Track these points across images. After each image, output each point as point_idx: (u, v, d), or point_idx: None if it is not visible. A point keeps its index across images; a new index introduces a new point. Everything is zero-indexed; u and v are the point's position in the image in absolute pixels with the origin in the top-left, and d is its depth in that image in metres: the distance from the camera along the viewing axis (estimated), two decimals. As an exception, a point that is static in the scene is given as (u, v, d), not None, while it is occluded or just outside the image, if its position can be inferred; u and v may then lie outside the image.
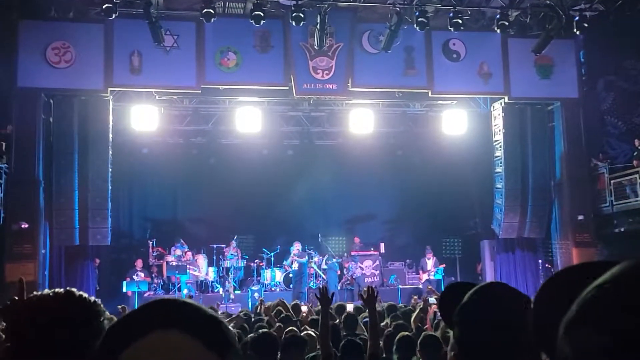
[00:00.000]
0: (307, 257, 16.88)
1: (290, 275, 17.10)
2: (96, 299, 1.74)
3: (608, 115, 16.41)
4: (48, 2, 14.23)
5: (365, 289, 5.00)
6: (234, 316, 8.34)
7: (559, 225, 16.10)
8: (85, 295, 1.69)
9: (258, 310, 9.63)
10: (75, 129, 14.26)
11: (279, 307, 8.76)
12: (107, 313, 1.75)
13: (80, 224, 14.12)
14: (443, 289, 1.78)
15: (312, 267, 17.34)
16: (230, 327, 1.03)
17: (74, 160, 14.16)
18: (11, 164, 13.60)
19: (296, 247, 16.81)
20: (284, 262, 17.15)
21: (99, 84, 14.25)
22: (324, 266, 17.37)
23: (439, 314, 7.80)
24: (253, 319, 8.63)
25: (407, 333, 5.90)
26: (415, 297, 14.90)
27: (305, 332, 6.39)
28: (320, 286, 7.62)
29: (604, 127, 16.41)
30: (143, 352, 0.92)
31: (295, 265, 16.47)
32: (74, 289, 1.70)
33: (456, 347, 1.55)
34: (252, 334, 6.31)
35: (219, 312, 10.61)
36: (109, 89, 14.39)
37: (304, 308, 9.89)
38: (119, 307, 13.04)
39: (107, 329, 1.01)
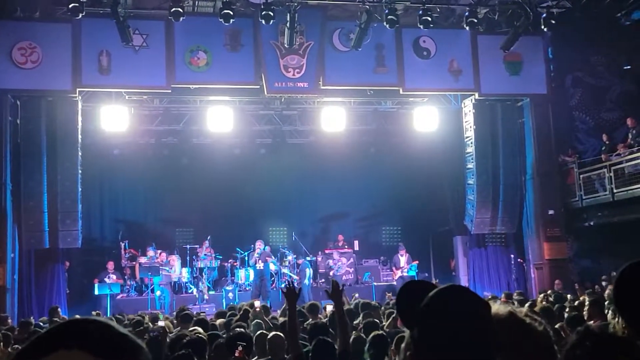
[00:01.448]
0: (272, 258, 16.73)
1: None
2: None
3: (576, 111, 16.64)
4: (13, 2, 13.99)
5: (331, 285, 5.00)
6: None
7: (530, 220, 16.30)
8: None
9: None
10: (43, 131, 14.03)
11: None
12: None
13: (50, 226, 13.91)
14: (400, 289, 1.78)
15: (285, 267, 17.28)
16: (142, 346, 1.02)
17: (43, 162, 13.94)
18: (-23, 166, 13.35)
19: (258, 246, 16.63)
20: (250, 263, 16.90)
21: (67, 85, 14.05)
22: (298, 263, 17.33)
23: None
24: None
25: (380, 332, 5.92)
26: (390, 294, 15.01)
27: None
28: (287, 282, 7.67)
29: (572, 122, 16.64)
30: None
31: (260, 265, 16.30)
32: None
33: (412, 347, 1.55)
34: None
35: (194, 313, 10.55)
36: (78, 89, 14.19)
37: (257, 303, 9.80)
38: (94, 312, 12.94)
39: (19, 349, 1.01)
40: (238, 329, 5.96)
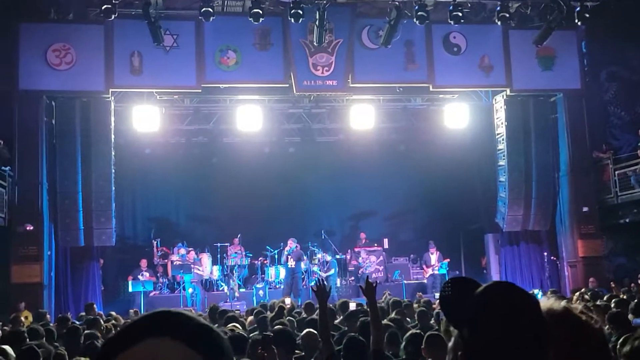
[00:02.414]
0: (303, 256, 16.77)
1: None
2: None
3: (611, 106, 16.36)
4: (47, 4, 14.26)
5: (365, 282, 4.97)
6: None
7: (564, 217, 16.06)
8: None
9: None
10: (78, 131, 14.29)
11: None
12: None
13: (85, 225, 14.15)
14: (443, 286, 1.76)
15: (314, 265, 17.31)
16: (223, 336, 1.06)
17: (77, 162, 14.19)
18: (15, 166, 13.64)
19: (289, 244, 16.68)
20: (281, 262, 16.97)
21: (100, 85, 14.27)
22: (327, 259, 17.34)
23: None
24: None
25: (417, 330, 5.90)
26: (420, 293, 14.94)
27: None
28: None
29: (607, 117, 16.36)
30: (135, 357, 0.96)
31: (292, 263, 16.36)
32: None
33: (462, 347, 1.53)
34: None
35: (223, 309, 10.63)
36: (110, 90, 14.40)
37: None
38: (132, 310, 13.15)
39: (107, 337, 1.07)
40: (278, 326, 5.97)
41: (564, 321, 1.72)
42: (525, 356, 1.41)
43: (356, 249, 18.00)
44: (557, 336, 1.66)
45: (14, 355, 4.76)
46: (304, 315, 8.60)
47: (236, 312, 11.53)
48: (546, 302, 1.76)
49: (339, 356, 5.18)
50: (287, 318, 8.03)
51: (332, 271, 17.10)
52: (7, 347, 4.88)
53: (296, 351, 5.56)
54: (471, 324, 1.48)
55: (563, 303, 1.80)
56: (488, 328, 1.44)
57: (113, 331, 7.66)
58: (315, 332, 6.17)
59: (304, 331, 6.20)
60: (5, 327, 8.90)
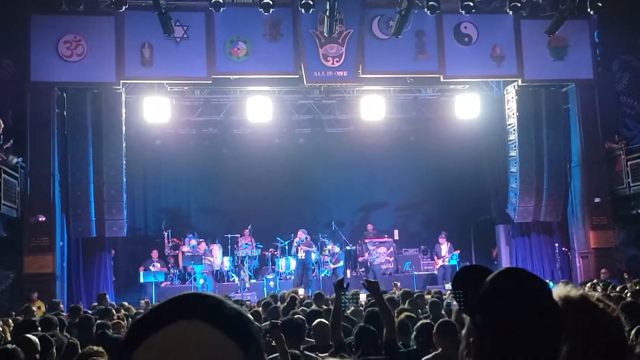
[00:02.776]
0: (313, 247, 16.79)
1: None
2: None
3: (624, 96, 16.20)
4: (58, -4, 14.29)
5: (365, 280, 5.09)
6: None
7: (576, 208, 15.99)
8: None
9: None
10: (89, 122, 14.37)
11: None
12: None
13: (97, 216, 14.25)
14: (455, 274, 1.75)
15: (325, 256, 17.33)
16: (252, 320, 1.05)
17: (89, 153, 14.27)
18: (27, 158, 13.72)
19: (299, 235, 16.71)
20: (291, 253, 17.01)
21: (111, 77, 14.32)
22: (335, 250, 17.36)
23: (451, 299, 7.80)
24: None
25: (428, 321, 5.91)
26: (429, 288, 14.95)
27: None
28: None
29: (619, 107, 16.21)
30: (166, 339, 0.95)
31: (302, 254, 16.39)
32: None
33: (475, 333, 1.52)
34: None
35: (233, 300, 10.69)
36: (121, 81, 14.45)
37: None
38: (143, 301, 13.24)
39: (134, 320, 1.05)
40: (295, 316, 5.98)
41: (581, 309, 1.71)
42: (538, 341, 1.41)
43: (366, 240, 17.99)
44: (574, 324, 1.65)
45: (39, 343, 4.79)
46: (314, 307, 8.61)
47: (247, 302, 11.61)
48: (563, 289, 1.75)
49: (348, 347, 5.20)
50: (301, 308, 8.06)
51: (340, 263, 17.12)
52: (32, 336, 4.92)
53: (307, 339, 5.57)
54: (483, 311, 1.48)
55: (580, 291, 1.79)
56: (500, 314, 1.43)
57: (124, 322, 7.71)
58: (326, 322, 6.19)
59: (316, 321, 6.21)
60: (18, 317, 8.98)
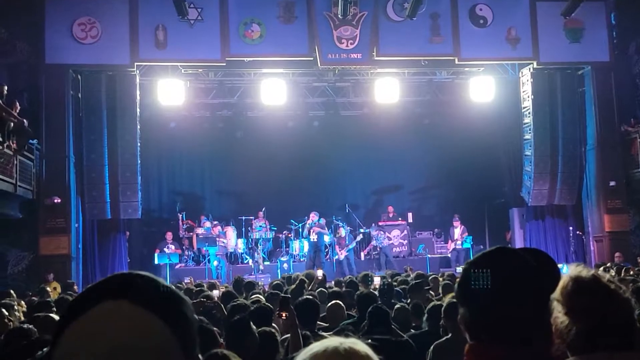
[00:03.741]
0: (325, 229, 16.81)
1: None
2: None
3: (640, 79, 16.01)
4: (72, -22, 14.30)
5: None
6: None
7: (590, 192, 15.89)
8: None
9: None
10: (104, 105, 14.44)
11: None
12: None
13: (111, 198, 14.36)
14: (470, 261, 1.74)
15: (342, 238, 17.36)
16: (185, 299, 1.04)
17: (103, 136, 14.36)
18: (42, 140, 13.84)
19: (312, 218, 16.74)
20: (304, 235, 17.05)
21: (125, 59, 14.35)
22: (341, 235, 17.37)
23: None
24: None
25: (438, 302, 5.94)
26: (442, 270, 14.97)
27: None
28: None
29: (636, 90, 16.03)
30: (90, 321, 0.95)
31: (314, 237, 16.43)
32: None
33: (464, 315, 1.53)
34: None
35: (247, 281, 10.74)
36: (135, 63, 14.48)
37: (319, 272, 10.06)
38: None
39: (71, 300, 1.05)
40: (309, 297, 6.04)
41: (592, 289, 1.72)
42: (521, 318, 1.41)
43: (380, 223, 17.99)
44: (586, 304, 1.66)
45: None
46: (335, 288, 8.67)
47: (260, 283, 11.70)
48: (574, 269, 1.76)
49: (355, 325, 5.26)
50: (319, 290, 8.13)
51: (352, 245, 17.13)
52: (54, 315, 4.99)
53: (319, 323, 5.62)
54: (465, 290, 1.49)
55: (592, 271, 1.80)
56: (481, 293, 1.45)
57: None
58: (341, 303, 6.25)
59: (330, 302, 6.28)
60: (33, 298, 9.12)
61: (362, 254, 17.75)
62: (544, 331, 1.44)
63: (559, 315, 1.64)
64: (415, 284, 7.89)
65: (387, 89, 15.84)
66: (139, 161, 14.63)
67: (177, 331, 0.97)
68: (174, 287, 1.04)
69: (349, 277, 9.91)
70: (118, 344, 0.92)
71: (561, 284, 1.69)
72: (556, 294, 1.62)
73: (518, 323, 1.41)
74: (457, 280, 1.55)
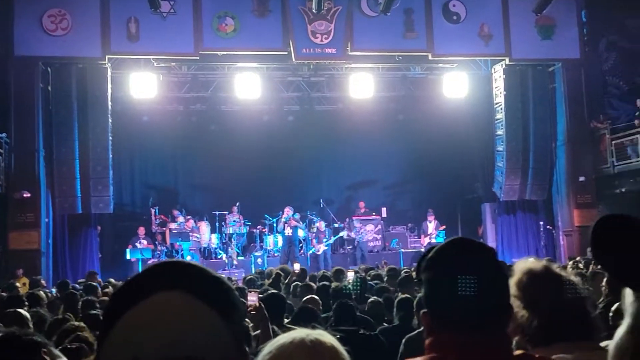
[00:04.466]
0: (300, 224, 16.81)
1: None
2: (34, 337, 1.73)
3: (610, 76, 16.30)
4: (42, -31, 14.05)
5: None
6: None
7: (560, 187, 16.14)
8: (25, 335, 1.70)
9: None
10: (74, 97, 14.22)
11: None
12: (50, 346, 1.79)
13: (82, 192, 14.18)
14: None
15: (314, 233, 17.40)
16: (234, 290, 1.03)
17: (74, 129, 14.16)
18: (11, 133, 13.61)
19: (286, 212, 16.67)
20: (278, 229, 17.02)
21: (97, 52, 14.16)
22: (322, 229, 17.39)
23: None
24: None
25: (407, 295, 5.98)
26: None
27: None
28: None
29: (605, 87, 16.32)
30: (146, 313, 0.92)
31: (289, 231, 16.42)
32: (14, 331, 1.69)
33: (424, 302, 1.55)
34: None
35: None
36: (107, 56, 14.30)
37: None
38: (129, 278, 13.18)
39: (112, 293, 1.02)
40: (271, 291, 6.04)
41: (544, 278, 1.76)
42: (479, 304, 1.43)
43: (354, 218, 18.05)
44: (538, 294, 1.70)
45: (30, 317, 4.78)
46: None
47: (234, 279, 11.68)
48: (525, 263, 1.81)
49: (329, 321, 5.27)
50: (294, 283, 8.12)
51: (331, 240, 17.16)
52: (22, 311, 4.91)
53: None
54: (424, 280, 1.51)
55: (542, 262, 1.84)
56: (439, 283, 1.46)
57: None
58: (317, 297, 6.26)
59: (306, 297, 6.28)
60: (3, 294, 8.97)
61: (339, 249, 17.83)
62: (500, 318, 1.46)
63: (518, 309, 1.67)
64: (405, 277, 7.93)
65: (362, 84, 15.89)
66: (111, 155, 14.48)
67: (229, 322, 0.96)
68: (223, 276, 1.02)
69: (322, 272, 9.92)
70: (177, 336, 0.90)
71: (515, 279, 1.72)
72: (512, 290, 1.64)
73: (475, 310, 1.42)
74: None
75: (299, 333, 1.21)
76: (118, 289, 1.01)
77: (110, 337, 0.93)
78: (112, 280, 11.18)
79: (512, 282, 1.68)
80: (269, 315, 4.59)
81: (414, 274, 9.29)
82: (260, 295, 4.76)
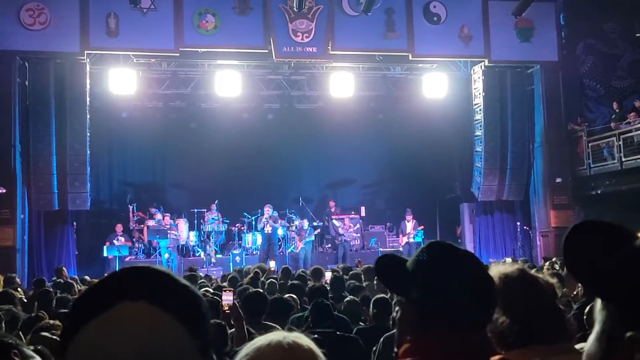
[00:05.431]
0: (279, 222, 16.77)
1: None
2: (4, 338, 1.70)
3: (587, 79, 16.50)
4: (20, -38, 13.86)
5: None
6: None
7: (538, 188, 16.31)
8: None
9: None
10: (52, 93, 14.04)
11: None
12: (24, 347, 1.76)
13: (59, 188, 14.02)
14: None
15: (293, 232, 17.40)
16: (202, 297, 1.00)
17: (51, 125, 13.98)
18: (-14, 128, 13.40)
19: (266, 211, 16.56)
20: (258, 228, 16.94)
21: (75, 47, 14.01)
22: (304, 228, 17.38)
23: None
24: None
25: (383, 295, 6.01)
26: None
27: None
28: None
29: (582, 90, 16.52)
30: (107, 324, 0.89)
31: (268, 229, 16.35)
32: None
33: (413, 309, 1.54)
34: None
35: (200, 275, 10.67)
36: (86, 51, 14.15)
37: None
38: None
39: (75, 299, 0.99)
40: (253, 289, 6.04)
41: (519, 281, 1.79)
42: (473, 306, 1.45)
43: (333, 217, 18.07)
44: (514, 295, 1.73)
45: (2, 316, 4.71)
46: (281, 280, 8.69)
47: (213, 277, 11.64)
48: (500, 267, 1.84)
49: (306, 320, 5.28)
50: (269, 280, 8.15)
51: (310, 237, 17.16)
52: None
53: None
54: (422, 284, 1.51)
55: (517, 266, 1.88)
56: (437, 284, 1.48)
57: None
58: (295, 296, 6.27)
59: (285, 295, 6.29)
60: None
61: (318, 248, 17.82)
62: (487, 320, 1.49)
63: (498, 316, 1.70)
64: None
65: (342, 83, 15.93)
66: (89, 151, 14.32)
67: (196, 334, 0.93)
68: (190, 285, 0.99)
69: (300, 271, 9.92)
70: (140, 349, 0.87)
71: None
72: None
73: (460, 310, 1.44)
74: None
75: (276, 335, 1.22)
76: (82, 294, 0.98)
77: (74, 344, 0.90)
78: (87, 277, 11.09)
79: None
80: (250, 313, 4.60)
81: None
82: (238, 294, 4.76)
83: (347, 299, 6.31)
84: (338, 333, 4.76)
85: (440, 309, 1.46)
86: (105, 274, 1.00)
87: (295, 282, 7.83)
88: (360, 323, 5.80)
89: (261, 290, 5.86)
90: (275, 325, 5.05)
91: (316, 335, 1.37)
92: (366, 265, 10.35)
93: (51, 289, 8.00)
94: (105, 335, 0.88)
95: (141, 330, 0.89)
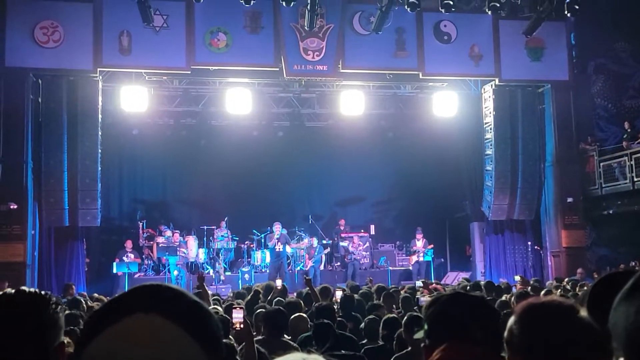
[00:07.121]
0: (289, 240, 16.71)
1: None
2: (47, 292, 1.69)
3: (598, 98, 16.48)
4: (35, -20, 14.05)
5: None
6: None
7: (549, 208, 16.21)
8: (33, 290, 1.66)
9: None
10: (64, 110, 14.15)
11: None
12: (60, 302, 1.72)
13: (70, 205, 14.07)
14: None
15: (302, 250, 17.35)
16: (213, 314, 1.03)
17: (63, 141, 14.07)
18: (0, 144, 13.51)
19: (276, 229, 16.53)
20: (268, 245, 16.89)
21: (88, 64, 14.14)
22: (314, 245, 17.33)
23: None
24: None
25: (393, 315, 5.97)
26: (403, 282, 15.08)
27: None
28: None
29: (594, 109, 16.49)
30: (119, 334, 0.93)
31: (279, 247, 16.29)
32: (24, 288, 1.66)
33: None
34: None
35: (209, 292, 10.64)
36: (98, 69, 14.27)
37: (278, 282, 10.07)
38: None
39: (94, 310, 1.02)
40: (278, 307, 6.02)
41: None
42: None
43: (342, 235, 18.01)
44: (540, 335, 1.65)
45: None
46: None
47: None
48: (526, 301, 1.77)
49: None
50: (276, 300, 8.10)
51: (319, 255, 17.10)
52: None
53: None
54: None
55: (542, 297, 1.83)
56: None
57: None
58: (304, 315, 6.23)
59: (293, 315, 6.25)
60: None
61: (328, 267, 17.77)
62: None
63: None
64: (405, 297, 7.99)
65: (352, 101, 15.94)
66: (100, 168, 14.38)
67: (205, 348, 0.96)
68: (202, 302, 1.03)
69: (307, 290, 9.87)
70: (150, 358, 0.91)
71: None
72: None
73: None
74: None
75: (295, 357, 1.21)
76: (98, 308, 1.02)
77: (87, 352, 0.94)
78: (95, 294, 11.08)
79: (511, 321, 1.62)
80: (272, 330, 4.58)
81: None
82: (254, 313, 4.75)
83: (370, 317, 6.26)
84: (360, 355, 4.73)
85: None
86: (117, 292, 1.01)
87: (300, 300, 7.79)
88: (379, 341, 5.75)
89: (282, 308, 5.83)
90: (293, 343, 5.03)
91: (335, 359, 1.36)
92: (377, 284, 10.30)
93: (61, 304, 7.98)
94: (118, 344, 0.92)
95: (153, 340, 0.92)
